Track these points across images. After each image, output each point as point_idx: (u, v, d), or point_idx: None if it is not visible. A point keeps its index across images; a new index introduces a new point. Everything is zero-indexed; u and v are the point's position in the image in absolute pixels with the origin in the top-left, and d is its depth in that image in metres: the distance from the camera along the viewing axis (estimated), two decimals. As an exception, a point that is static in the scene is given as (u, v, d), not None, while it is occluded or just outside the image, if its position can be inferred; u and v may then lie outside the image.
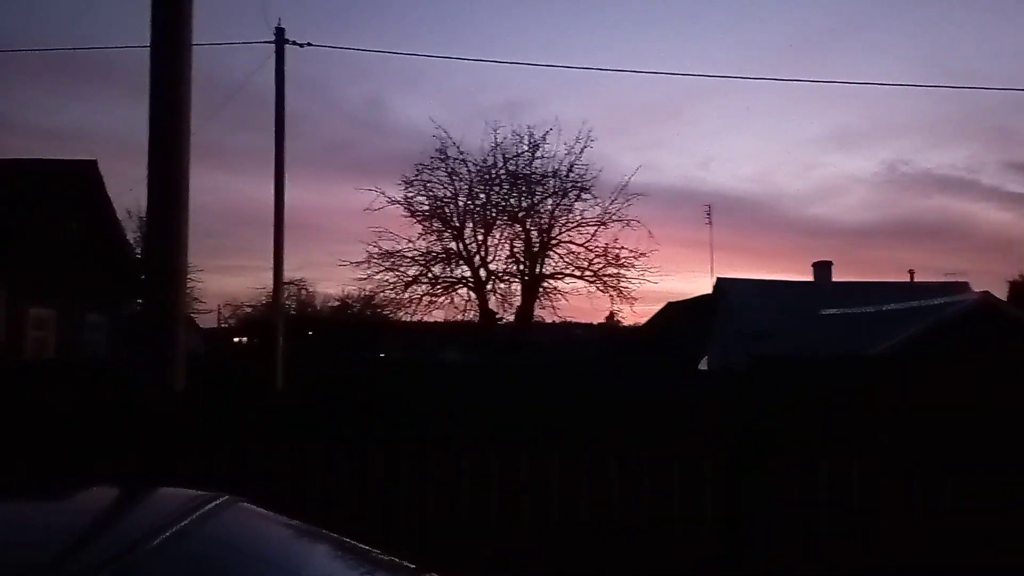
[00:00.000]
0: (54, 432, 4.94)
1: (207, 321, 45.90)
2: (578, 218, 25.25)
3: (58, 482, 3.17)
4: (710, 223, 32.73)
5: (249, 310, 42.94)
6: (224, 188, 62.53)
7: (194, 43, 5.22)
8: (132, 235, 32.15)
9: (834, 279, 29.15)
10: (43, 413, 5.05)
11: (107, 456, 4.99)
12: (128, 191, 51.21)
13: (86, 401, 5.21)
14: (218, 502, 2.27)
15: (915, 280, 29.97)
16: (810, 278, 29.67)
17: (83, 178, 20.52)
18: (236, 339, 45.87)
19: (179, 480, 4.60)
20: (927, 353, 17.58)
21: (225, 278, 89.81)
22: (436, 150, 24.68)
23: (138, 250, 31.84)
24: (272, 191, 15.47)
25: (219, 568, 2.07)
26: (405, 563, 2.71)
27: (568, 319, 29.40)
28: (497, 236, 25.64)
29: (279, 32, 15.70)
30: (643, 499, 5.23)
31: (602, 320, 38.37)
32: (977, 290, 23.89)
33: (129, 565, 1.75)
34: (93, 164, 20.86)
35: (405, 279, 25.24)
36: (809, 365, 14.26)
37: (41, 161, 20.29)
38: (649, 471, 5.25)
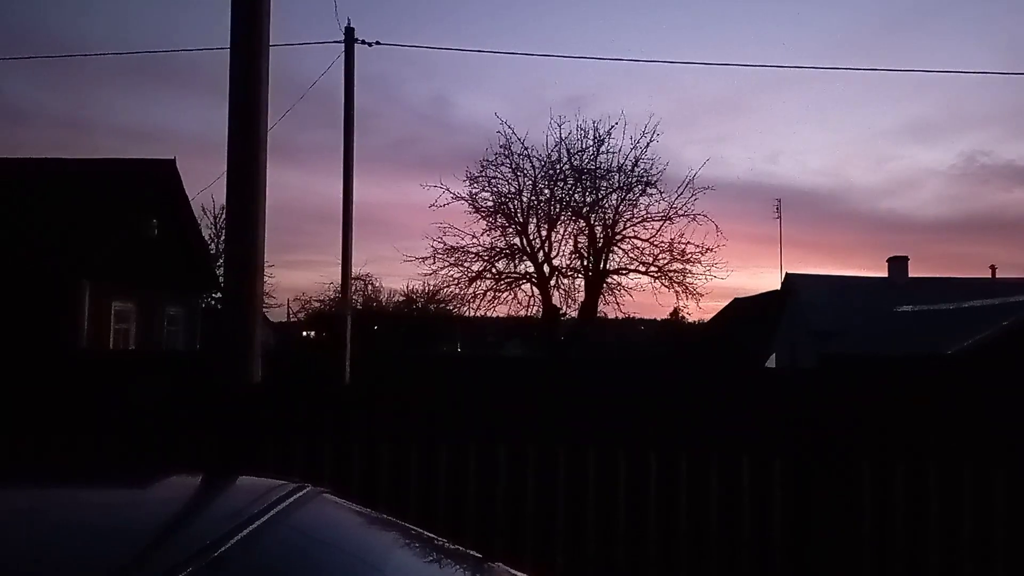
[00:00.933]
0: (141, 419, 5.17)
1: (277, 315, 47.24)
2: (643, 213, 25.07)
3: (146, 469, 3.30)
4: (779, 217, 32.17)
5: (317, 305, 43.94)
6: (293, 185, 64.18)
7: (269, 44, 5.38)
8: (207, 231, 33.33)
9: (910, 275, 28.19)
10: (130, 402, 5.29)
11: (190, 444, 5.20)
12: (204, 189, 52.87)
13: (171, 392, 5.43)
14: (303, 492, 2.34)
15: (997, 276, 28.75)
16: (885, 274, 28.77)
17: (162, 176, 21.31)
18: (305, 333, 47.01)
19: (256, 468, 4.78)
20: (1010, 353, 16.87)
21: (294, 273, 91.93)
22: (500, 146, 24.91)
23: (213, 246, 33.00)
24: (340, 188, 15.75)
25: (307, 556, 2.14)
26: (472, 552, 2.77)
27: (632, 315, 29.17)
28: (561, 231, 25.68)
29: (349, 32, 15.97)
30: (712, 498, 5.19)
31: (666, 316, 37.98)
32: (1064, 287, 22.76)
33: (223, 554, 1.80)
34: (172, 163, 21.64)
35: (469, 274, 25.48)
36: (881, 365, 13.84)
37: (122, 160, 21.12)
38: (718, 470, 5.21)
